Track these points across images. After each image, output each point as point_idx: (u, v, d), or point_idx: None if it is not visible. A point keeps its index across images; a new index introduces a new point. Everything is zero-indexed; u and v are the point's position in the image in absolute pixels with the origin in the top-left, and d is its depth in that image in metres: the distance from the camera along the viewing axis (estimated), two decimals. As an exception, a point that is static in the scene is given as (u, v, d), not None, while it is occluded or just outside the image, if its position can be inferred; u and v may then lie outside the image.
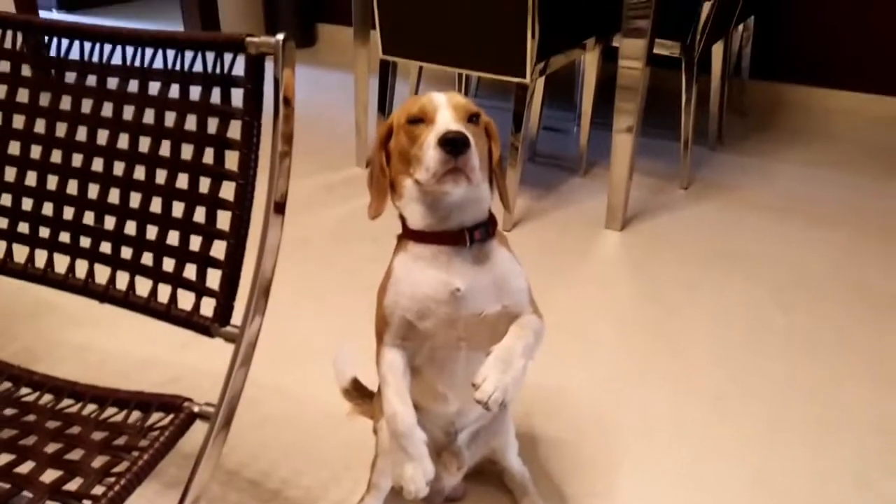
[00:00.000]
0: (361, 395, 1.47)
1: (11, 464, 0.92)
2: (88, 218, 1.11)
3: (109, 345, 1.74)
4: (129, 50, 1.06)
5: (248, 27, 4.28)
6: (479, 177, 1.03)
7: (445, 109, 1.04)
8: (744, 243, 2.34)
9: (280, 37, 0.95)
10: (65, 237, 1.13)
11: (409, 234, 1.10)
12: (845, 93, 3.40)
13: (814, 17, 3.36)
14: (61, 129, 1.12)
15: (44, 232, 1.14)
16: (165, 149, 1.05)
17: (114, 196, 1.09)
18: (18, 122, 1.15)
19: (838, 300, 2.04)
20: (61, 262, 1.14)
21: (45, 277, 1.14)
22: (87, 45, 1.08)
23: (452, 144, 0.98)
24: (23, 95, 1.15)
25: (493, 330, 1.08)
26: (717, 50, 2.80)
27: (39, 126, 1.13)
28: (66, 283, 1.12)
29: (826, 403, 1.65)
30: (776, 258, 2.25)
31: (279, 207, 1.00)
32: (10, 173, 1.16)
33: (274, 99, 0.96)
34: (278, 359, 1.66)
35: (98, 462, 0.92)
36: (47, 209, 1.14)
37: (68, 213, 1.12)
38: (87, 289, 1.11)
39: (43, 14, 3.57)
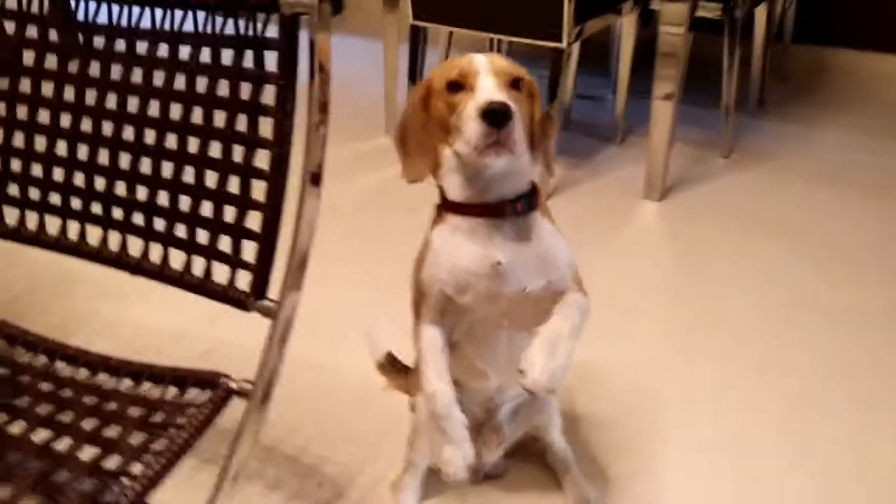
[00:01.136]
0: (397, 369, 1.43)
1: (49, 440, 0.90)
2: (120, 188, 1.08)
3: (140, 318, 1.72)
4: (158, 13, 1.02)
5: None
6: (522, 148, 0.97)
7: (487, 75, 0.97)
8: (786, 214, 2.25)
9: (315, -3, 0.90)
10: (97, 208, 1.09)
11: (447, 205, 1.05)
12: (891, 56, 3.25)
13: (861, -23, 3.21)
14: (90, 97, 1.08)
15: (76, 203, 1.11)
16: (197, 116, 1.01)
17: (145, 166, 1.06)
18: (47, 89, 1.12)
19: (882, 273, 1.96)
20: (94, 234, 1.11)
21: (79, 249, 1.11)
22: (115, 8, 1.04)
23: (494, 116, 0.91)
24: (51, 62, 1.11)
25: (536, 307, 1.03)
26: (761, 12, 2.68)
27: (68, 93, 1.09)
28: (100, 256, 1.09)
29: (868, 378, 1.59)
30: (819, 229, 2.17)
31: (315, 178, 0.95)
32: (40, 142, 1.13)
33: (310, 64, 0.91)
34: (311, 332, 1.59)
35: (136, 439, 0.89)
36: (79, 179, 1.11)
37: (100, 183, 1.09)
38: (120, 261, 1.07)
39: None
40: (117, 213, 1.08)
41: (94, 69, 1.08)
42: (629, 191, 2.35)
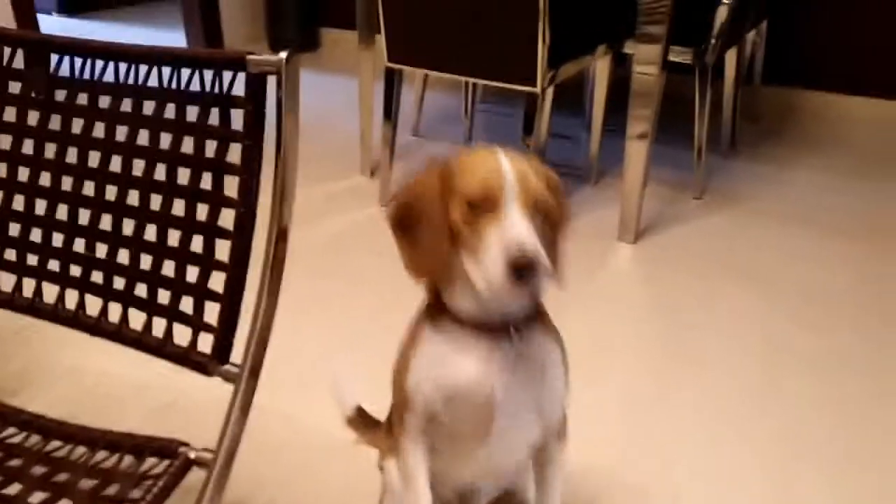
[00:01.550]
0: (367, 423, 1.38)
1: (-7, 517, 0.85)
2: (79, 245, 1.04)
3: (103, 366, 1.67)
4: (123, 66, 1.00)
5: (250, 30, 4.22)
6: (545, 290, 0.88)
7: (515, 200, 0.85)
8: (759, 257, 2.26)
9: (283, 55, 0.88)
10: (54, 265, 1.06)
11: (441, 307, 0.95)
12: (860, 98, 3.32)
13: (827, 21, 3.28)
14: (50, 151, 1.05)
15: (32, 259, 1.08)
16: (161, 173, 0.99)
17: (105, 222, 1.02)
18: (5, 142, 1.09)
19: (857, 317, 1.97)
20: (50, 292, 1.07)
21: (33, 307, 1.07)
22: (78, 61, 1.02)
23: (523, 273, 0.82)
24: (9, 114, 1.08)
25: (524, 440, 1.01)
26: (731, 55, 2.73)
27: (27, 147, 1.06)
28: (56, 314, 1.06)
29: (848, 426, 1.58)
30: (791, 272, 2.18)
31: (282, 235, 0.93)
32: (-4, 196, 1.10)
33: (277, 122, 0.90)
34: (276, 379, 1.57)
35: (86, 518, 0.85)
36: (35, 235, 1.07)
37: (57, 239, 1.06)
38: (77, 320, 1.04)
39: (42, 18, 3.50)
40: (75, 271, 1.05)
41: (55, 123, 1.05)
42: (604, 233, 2.35)
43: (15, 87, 1.08)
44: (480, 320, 0.93)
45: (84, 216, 1.03)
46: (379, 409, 1.30)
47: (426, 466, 1.03)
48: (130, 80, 0.99)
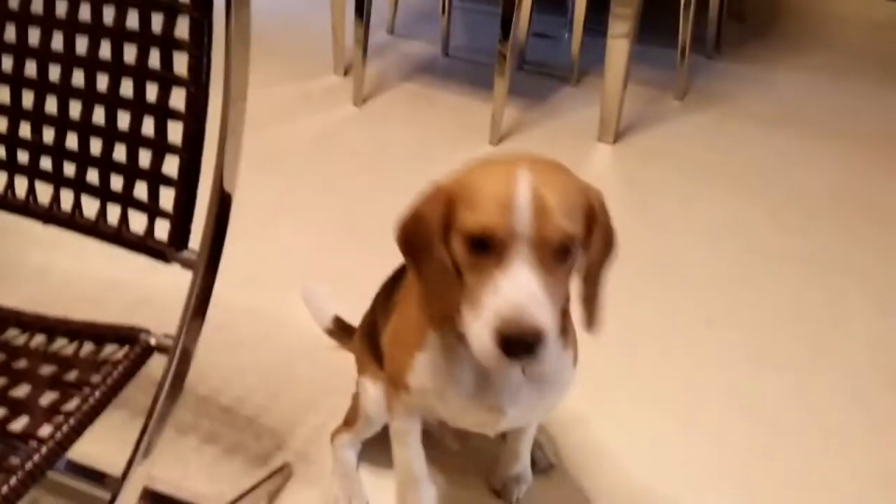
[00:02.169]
0: (346, 332, 1.37)
1: (-50, 402, 0.84)
2: (24, 130, 0.99)
3: (73, 267, 1.64)
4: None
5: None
6: (553, 360, 0.79)
7: (524, 247, 0.69)
8: (740, 157, 2.24)
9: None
10: (0, 152, 1.01)
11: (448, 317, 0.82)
12: (849, -3, 3.23)
13: (822, -87, 3.15)
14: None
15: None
16: (106, 51, 0.93)
17: (51, 105, 0.97)
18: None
19: (837, 217, 1.97)
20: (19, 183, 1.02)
21: (-16, 197, 1.03)
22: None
23: (516, 349, 0.69)
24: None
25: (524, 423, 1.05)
26: (719, -51, 2.62)
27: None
28: (6, 203, 1.01)
29: (819, 327, 1.60)
30: (773, 173, 2.16)
31: (239, 108, 0.87)
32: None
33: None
34: (252, 279, 1.57)
35: (46, 399, 0.84)
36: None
37: (1, 124, 1.00)
38: (27, 208, 1.00)
39: None
40: (23, 157, 1.00)
41: (-10, -3, 0.98)
42: (583, 133, 2.30)
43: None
44: None
45: (27, 98, 0.98)
46: (354, 314, 1.29)
47: (419, 429, 1.03)
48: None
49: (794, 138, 2.34)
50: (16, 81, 0.98)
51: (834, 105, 2.55)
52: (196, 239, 0.91)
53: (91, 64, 0.93)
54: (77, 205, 0.98)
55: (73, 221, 0.97)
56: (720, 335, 1.57)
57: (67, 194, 0.98)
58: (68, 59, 0.94)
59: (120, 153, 0.94)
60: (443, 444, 1.21)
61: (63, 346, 0.93)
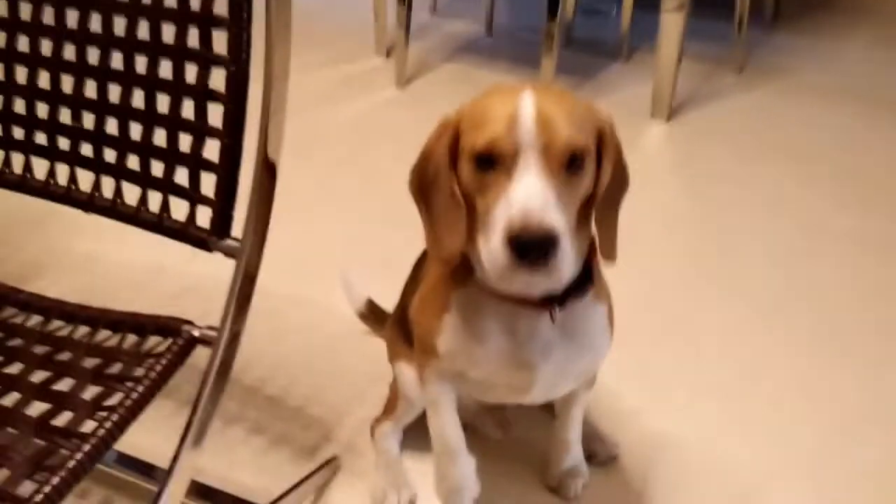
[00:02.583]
0: (378, 317, 1.34)
1: (-6, 395, 0.82)
2: (65, 116, 0.96)
3: (118, 255, 1.63)
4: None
5: None
6: (570, 269, 0.74)
7: (533, 156, 0.69)
8: (801, 135, 2.12)
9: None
10: (41, 138, 0.98)
11: (471, 271, 0.83)
12: (918, -38, 3.04)
13: None
14: (25, 12, 0.96)
15: (17, 133, 1.00)
16: (143, 30, 0.89)
17: (91, 89, 0.94)
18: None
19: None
20: (40, 167, 1.00)
21: (25, 184, 1.01)
22: None
23: (529, 252, 0.68)
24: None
25: (560, 391, 0.97)
26: (779, -87, 2.48)
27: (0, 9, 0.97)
28: (47, 191, 0.99)
29: (882, 312, 1.51)
30: (836, 153, 2.04)
31: (281, 87, 0.83)
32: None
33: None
34: (296, 267, 1.54)
35: (89, 394, 0.81)
36: (19, 107, 0.99)
37: (42, 110, 0.98)
38: (69, 196, 0.97)
39: None
40: (63, 144, 0.97)
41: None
42: (636, 111, 2.21)
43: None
44: (521, 296, 0.81)
45: (67, 83, 0.95)
46: (388, 299, 1.25)
47: (453, 398, 0.97)
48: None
49: (857, 115, 2.21)
50: (54, 65, 0.95)
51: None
52: (239, 227, 0.87)
53: (129, 45, 0.90)
54: (118, 192, 0.95)
55: (115, 209, 0.95)
56: (781, 321, 1.48)
57: (108, 181, 0.95)
58: (106, 41, 0.91)
59: (160, 138, 0.91)
60: (485, 433, 1.17)
61: (106, 337, 0.90)
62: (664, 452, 1.21)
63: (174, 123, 0.89)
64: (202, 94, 0.87)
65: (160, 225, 0.92)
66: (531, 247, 0.67)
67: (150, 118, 0.91)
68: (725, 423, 1.27)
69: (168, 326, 0.88)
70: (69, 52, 0.94)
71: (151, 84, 0.90)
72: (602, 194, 0.77)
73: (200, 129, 0.88)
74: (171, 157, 0.90)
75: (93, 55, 0.93)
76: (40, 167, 1.00)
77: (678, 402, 1.30)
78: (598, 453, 1.17)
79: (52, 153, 0.98)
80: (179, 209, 0.91)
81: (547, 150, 0.69)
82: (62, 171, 0.99)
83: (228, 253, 0.87)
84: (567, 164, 0.71)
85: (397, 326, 1.11)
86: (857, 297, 1.55)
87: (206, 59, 0.86)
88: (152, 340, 0.88)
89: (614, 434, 1.22)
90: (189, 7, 0.86)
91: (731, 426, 1.26)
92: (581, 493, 1.12)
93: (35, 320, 0.94)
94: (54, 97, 0.96)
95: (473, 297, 0.84)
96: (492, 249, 0.70)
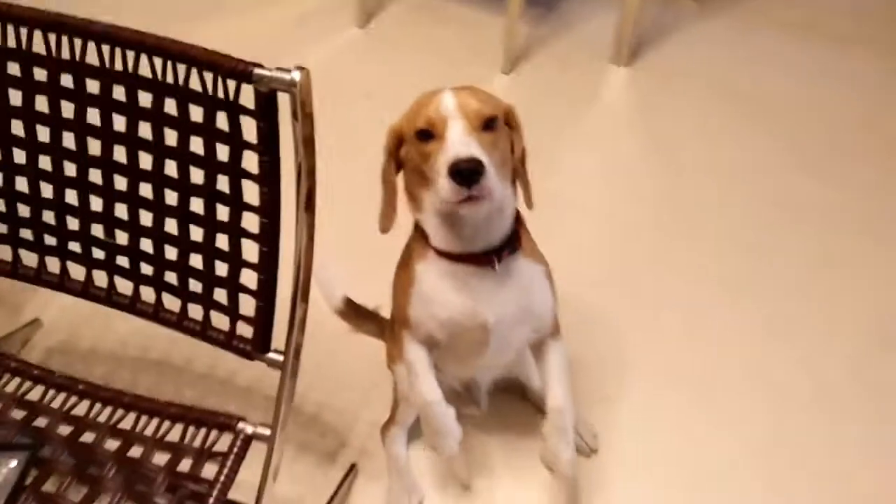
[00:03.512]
0: (358, 314, 1.46)
1: (87, 498, 0.97)
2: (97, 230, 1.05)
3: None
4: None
5: None
6: (500, 192, 0.96)
7: (456, 121, 0.94)
8: (762, 79, 2.18)
9: (296, 74, 0.81)
10: (99, 254, 1.07)
11: (429, 245, 1.05)
12: None
13: None
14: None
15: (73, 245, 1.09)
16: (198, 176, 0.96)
17: (171, 226, 1.01)
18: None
19: (868, 154, 1.95)
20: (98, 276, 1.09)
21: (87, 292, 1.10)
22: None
23: (464, 175, 0.90)
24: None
25: (520, 342, 1.14)
26: None
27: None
28: (99, 296, 1.09)
29: (834, 289, 1.66)
30: (799, 98, 2.10)
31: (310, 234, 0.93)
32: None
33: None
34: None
35: (165, 499, 0.97)
36: (73, 224, 1.07)
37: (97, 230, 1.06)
38: (110, 300, 1.08)
39: None
40: (98, 254, 1.06)
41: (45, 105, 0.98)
42: (596, 53, 2.25)
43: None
44: (464, 253, 1.02)
45: (122, 210, 1.03)
46: (367, 295, 1.37)
47: (430, 363, 1.13)
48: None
49: (820, 50, 2.24)
50: (87, 186, 1.01)
51: (869, 9, 2.41)
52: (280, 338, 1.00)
53: (161, 181, 0.97)
54: (184, 311, 1.05)
55: (157, 315, 1.06)
56: (739, 301, 1.64)
57: (172, 299, 1.06)
58: (147, 176, 0.97)
59: (220, 268, 1.01)
60: (464, 414, 1.27)
61: (168, 429, 1.05)
62: (629, 443, 1.41)
63: (220, 255, 1.00)
64: (237, 232, 0.96)
65: (203, 334, 1.04)
66: (466, 172, 0.90)
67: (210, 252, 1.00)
68: (685, 412, 1.46)
69: (225, 424, 1.03)
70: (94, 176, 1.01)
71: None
72: (518, 159, 1.04)
73: (236, 261, 0.98)
74: (210, 279, 1.01)
75: (120, 183, 1.00)
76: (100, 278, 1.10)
77: (637, 392, 1.48)
78: (580, 448, 1.39)
79: (96, 262, 1.08)
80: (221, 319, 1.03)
81: (465, 116, 0.95)
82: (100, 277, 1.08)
83: (271, 364, 1.01)
84: (483, 126, 0.96)
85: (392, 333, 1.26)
86: (808, 274, 1.69)
87: (238, 206, 0.94)
88: (213, 435, 1.03)
89: (593, 428, 1.42)
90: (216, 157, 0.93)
91: (691, 415, 1.45)
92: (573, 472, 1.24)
93: (97, 410, 1.07)
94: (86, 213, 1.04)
95: (432, 267, 1.05)
96: (440, 188, 0.93)
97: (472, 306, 1.04)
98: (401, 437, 1.38)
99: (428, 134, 0.96)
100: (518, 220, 1.07)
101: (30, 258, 1.11)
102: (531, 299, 1.08)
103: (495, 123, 0.97)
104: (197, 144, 0.93)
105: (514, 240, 1.05)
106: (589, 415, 1.45)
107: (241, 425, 1.03)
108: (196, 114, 0.90)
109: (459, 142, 0.92)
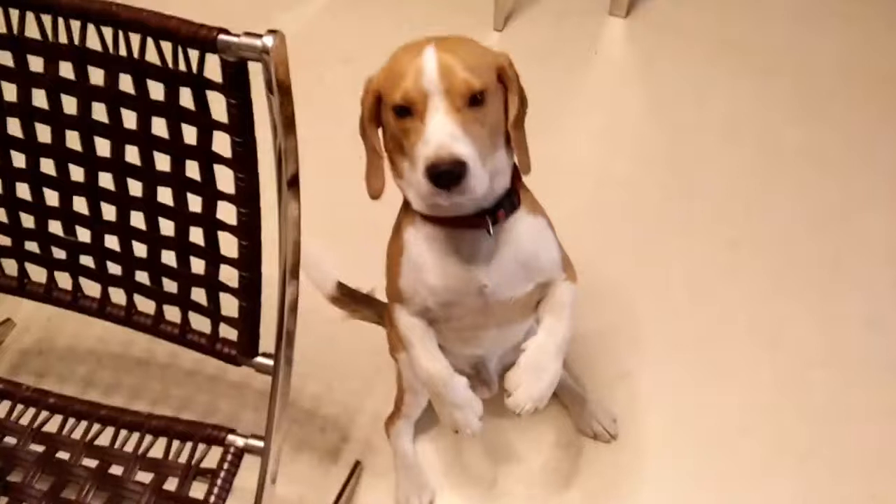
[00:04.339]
0: (353, 299, 1.35)
1: (65, 527, 0.88)
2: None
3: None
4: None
5: None
6: (483, 186, 0.84)
7: (438, 100, 0.81)
8: (755, 28, 2.06)
9: (268, 39, 0.69)
10: (60, 254, 0.96)
11: (417, 211, 0.94)
12: None
13: None
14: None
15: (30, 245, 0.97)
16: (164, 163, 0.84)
17: (138, 220, 0.90)
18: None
19: (858, 104, 1.87)
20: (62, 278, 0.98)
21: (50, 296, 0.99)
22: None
23: (443, 178, 0.80)
24: None
25: (526, 303, 1.00)
26: None
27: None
28: (63, 300, 0.98)
29: (838, 237, 1.61)
30: (801, 46, 2.00)
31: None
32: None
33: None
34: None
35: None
36: (27, 222, 0.95)
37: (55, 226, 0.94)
38: (102, 311, 0.96)
39: None
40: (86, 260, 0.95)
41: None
42: (594, 3, 2.12)
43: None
44: (454, 216, 0.91)
45: (81, 203, 0.91)
46: (360, 278, 1.27)
47: (429, 333, 1.02)
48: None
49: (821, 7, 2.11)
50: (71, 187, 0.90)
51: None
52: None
53: (144, 174, 0.85)
54: (130, 305, 0.94)
55: (130, 319, 0.95)
56: (743, 259, 1.58)
57: (147, 302, 0.95)
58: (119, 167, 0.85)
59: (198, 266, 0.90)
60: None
61: (150, 443, 0.95)
62: (656, 420, 1.34)
63: (195, 251, 0.88)
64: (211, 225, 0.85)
65: (182, 338, 0.93)
66: (445, 174, 0.80)
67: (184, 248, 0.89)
68: (698, 380, 1.39)
69: (213, 437, 0.93)
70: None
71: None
72: (513, 123, 0.91)
73: (214, 258, 0.87)
74: (188, 278, 0.90)
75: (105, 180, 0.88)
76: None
77: (653, 366, 1.41)
78: (599, 435, 1.31)
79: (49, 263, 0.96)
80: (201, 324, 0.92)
81: (449, 93, 0.82)
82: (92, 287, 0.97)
83: (260, 370, 0.91)
84: (469, 102, 0.83)
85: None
86: (809, 224, 1.63)
87: (212, 195, 0.83)
88: (200, 450, 0.93)
89: (612, 411, 1.33)
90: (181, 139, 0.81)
91: (703, 382, 1.39)
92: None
93: (71, 425, 0.97)
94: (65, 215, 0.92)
95: (420, 233, 0.95)
96: (417, 181, 0.83)
97: (466, 271, 0.93)
98: (407, 430, 1.29)
99: (406, 110, 0.83)
100: (515, 175, 0.95)
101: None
102: (533, 254, 0.96)
103: (483, 96, 0.84)
104: (160, 126, 0.81)
105: (513, 198, 0.94)
106: (609, 394, 1.36)
107: (230, 438, 0.93)
108: (156, 91, 0.78)
109: (441, 134, 0.80)
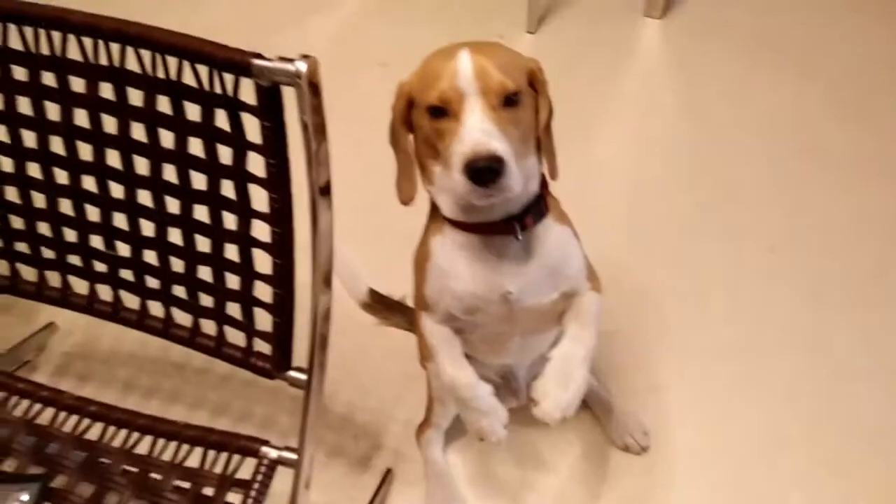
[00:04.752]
0: (385, 306, 1.37)
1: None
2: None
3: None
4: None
5: None
6: (519, 186, 0.85)
7: (474, 100, 0.82)
8: (794, 27, 2.04)
9: (300, 65, 0.70)
10: (101, 267, 0.99)
11: (445, 217, 0.95)
12: None
13: None
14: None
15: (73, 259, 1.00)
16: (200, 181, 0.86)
17: (175, 236, 0.92)
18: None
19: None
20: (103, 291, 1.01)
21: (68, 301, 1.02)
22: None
23: (482, 175, 0.80)
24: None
25: (550, 313, 1.00)
26: None
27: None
28: (104, 311, 1.00)
29: (882, 242, 1.58)
30: (838, 46, 1.97)
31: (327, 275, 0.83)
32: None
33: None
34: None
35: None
36: (70, 236, 0.98)
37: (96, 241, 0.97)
38: (139, 322, 0.99)
39: None
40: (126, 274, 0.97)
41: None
42: (629, 4, 2.10)
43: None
44: (482, 222, 0.92)
45: (121, 219, 0.93)
46: (392, 284, 1.28)
47: (455, 341, 1.02)
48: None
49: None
50: (96, 198, 0.92)
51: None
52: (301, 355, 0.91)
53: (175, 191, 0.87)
54: (168, 315, 0.97)
55: (168, 332, 0.97)
56: (784, 265, 1.56)
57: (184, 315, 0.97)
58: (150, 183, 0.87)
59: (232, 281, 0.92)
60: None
61: (187, 452, 0.97)
62: (688, 433, 1.32)
63: (230, 267, 0.90)
64: (246, 242, 0.86)
65: (218, 350, 0.95)
66: (483, 170, 0.81)
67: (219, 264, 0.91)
68: (734, 391, 1.37)
69: (247, 448, 0.95)
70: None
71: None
72: (543, 127, 0.91)
73: (248, 273, 0.88)
74: (223, 293, 0.91)
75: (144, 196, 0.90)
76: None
77: (687, 378, 1.39)
78: (631, 447, 1.31)
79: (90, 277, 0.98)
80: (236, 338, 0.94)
81: (485, 93, 0.83)
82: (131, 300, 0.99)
83: (293, 384, 0.92)
84: (504, 102, 0.84)
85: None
86: (855, 231, 1.60)
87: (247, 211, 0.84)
88: (234, 461, 0.95)
89: (643, 423, 1.32)
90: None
91: (740, 394, 1.36)
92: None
93: (111, 433, 1.00)
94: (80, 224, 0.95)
95: (448, 239, 0.95)
96: (454, 180, 0.83)
97: (492, 277, 0.94)
98: (437, 439, 1.29)
99: (441, 111, 0.84)
100: (543, 183, 0.96)
101: (29, 273, 1.03)
102: (560, 261, 0.96)
103: (517, 97, 0.86)
104: (196, 146, 0.82)
105: (541, 205, 0.94)
106: (641, 406, 1.35)
107: (264, 450, 0.94)
108: (193, 112, 0.80)
109: (478, 131, 0.81)
